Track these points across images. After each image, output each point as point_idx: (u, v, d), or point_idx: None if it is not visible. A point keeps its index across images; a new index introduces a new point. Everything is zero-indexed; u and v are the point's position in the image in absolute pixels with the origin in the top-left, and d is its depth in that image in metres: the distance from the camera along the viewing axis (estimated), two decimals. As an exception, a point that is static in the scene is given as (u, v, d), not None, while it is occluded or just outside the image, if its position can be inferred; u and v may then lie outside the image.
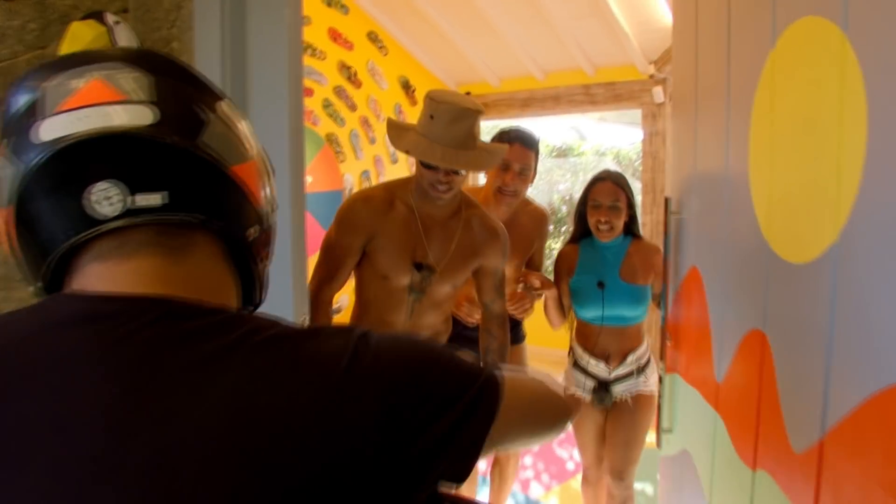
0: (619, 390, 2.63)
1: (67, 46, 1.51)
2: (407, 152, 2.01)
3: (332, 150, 4.80)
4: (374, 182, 5.25)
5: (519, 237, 2.60)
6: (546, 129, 10.38)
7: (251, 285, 0.74)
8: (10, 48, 1.60)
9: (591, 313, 2.63)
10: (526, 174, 2.57)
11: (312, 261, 1.78)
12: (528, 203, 2.79)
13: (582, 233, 2.69)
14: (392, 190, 2.17)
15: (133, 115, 0.60)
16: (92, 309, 0.59)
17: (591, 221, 2.59)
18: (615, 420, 2.66)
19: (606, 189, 2.57)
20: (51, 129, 0.59)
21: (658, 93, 5.27)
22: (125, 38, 1.63)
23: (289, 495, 0.53)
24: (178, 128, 0.62)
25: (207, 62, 1.73)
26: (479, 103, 2.03)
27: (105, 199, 0.59)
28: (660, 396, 2.30)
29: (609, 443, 2.68)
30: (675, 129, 2.51)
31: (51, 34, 1.66)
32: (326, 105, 4.73)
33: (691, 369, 2.06)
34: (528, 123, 5.34)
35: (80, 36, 1.51)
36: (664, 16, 4.52)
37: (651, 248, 2.64)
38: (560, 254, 2.77)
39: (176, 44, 1.80)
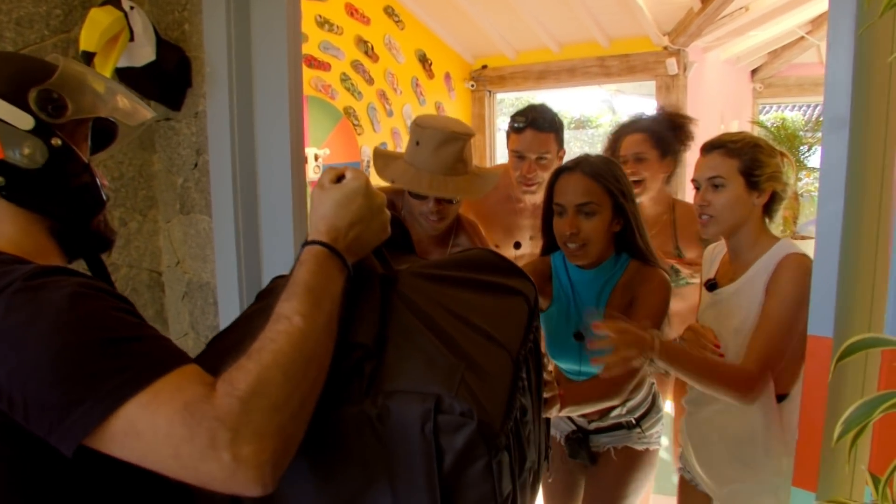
0: (601, 441, 1.96)
1: (87, 31, 1.68)
2: (392, 182, 1.83)
3: (349, 123, 4.94)
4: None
5: None
6: (573, 100, 10.41)
7: (72, 229, 0.94)
8: (38, 32, 1.76)
9: (566, 365, 1.89)
10: (546, 160, 2.32)
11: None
12: None
13: (550, 245, 1.91)
14: (391, 196, 1.92)
15: None
16: None
17: (557, 234, 1.79)
18: (591, 476, 2.00)
19: (574, 184, 1.74)
20: None
21: (672, 64, 5.30)
22: (140, 21, 1.79)
23: None
24: None
25: (215, 42, 1.88)
26: (468, 126, 1.88)
27: None
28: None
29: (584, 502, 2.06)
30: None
31: (74, 19, 1.83)
32: (344, 79, 4.86)
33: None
34: (551, 95, 5.41)
35: (98, 21, 1.68)
36: (675, -13, 4.55)
37: (654, 283, 1.76)
38: (528, 270, 1.69)
39: (187, 26, 1.96)
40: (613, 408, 1.89)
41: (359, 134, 5.02)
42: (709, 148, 1.72)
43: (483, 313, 0.96)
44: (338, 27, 4.75)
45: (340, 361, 0.83)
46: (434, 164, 1.78)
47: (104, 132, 1.03)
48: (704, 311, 1.82)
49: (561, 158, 2.40)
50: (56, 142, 0.88)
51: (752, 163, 1.65)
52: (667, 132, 2.45)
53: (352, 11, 4.86)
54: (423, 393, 0.78)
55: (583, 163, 1.77)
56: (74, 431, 0.69)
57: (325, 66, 4.66)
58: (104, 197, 0.98)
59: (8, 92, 0.85)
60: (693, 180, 1.75)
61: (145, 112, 1.04)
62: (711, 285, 1.81)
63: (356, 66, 4.94)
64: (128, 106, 1.01)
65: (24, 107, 0.85)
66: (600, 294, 1.80)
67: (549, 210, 1.82)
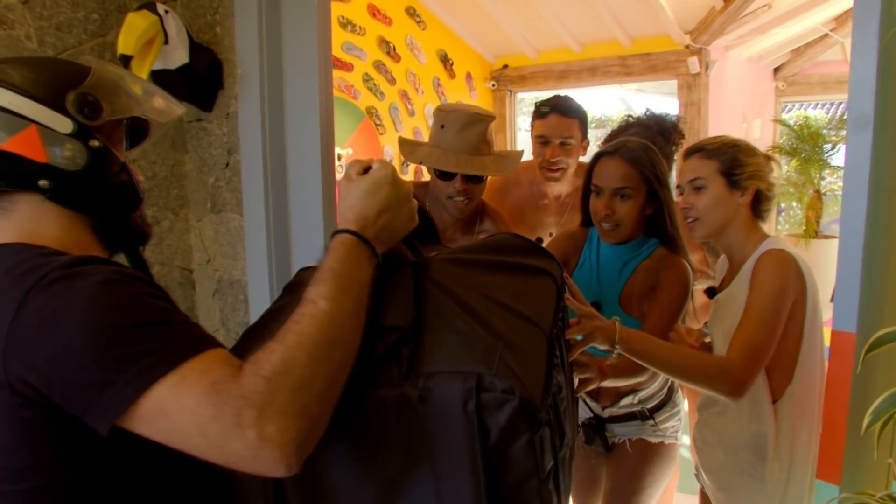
0: (617, 432, 2.00)
1: (124, 35, 1.73)
2: (420, 163, 1.93)
3: (371, 123, 4.99)
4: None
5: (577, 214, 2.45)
6: (593, 100, 10.36)
7: (113, 225, 0.99)
8: (76, 37, 1.82)
9: None
10: (569, 146, 2.34)
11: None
12: None
13: (588, 220, 1.97)
14: (413, 190, 2.07)
15: None
16: None
17: (592, 213, 1.87)
18: (609, 467, 2.04)
19: (612, 168, 1.80)
20: None
21: (693, 63, 5.29)
22: (174, 25, 1.84)
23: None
24: None
25: (246, 44, 1.93)
26: (490, 110, 1.92)
27: None
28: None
29: (603, 495, 2.08)
30: None
31: (110, 23, 1.88)
32: (366, 79, 4.91)
33: None
34: (572, 95, 5.42)
35: (135, 25, 1.73)
36: (697, -14, 4.55)
37: (676, 271, 1.80)
38: (564, 235, 2.07)
39: (219, 28, 2.01)
40: (625, 395, 1.95)
41: (381, 134, 5.07)
42: (689, 153, 1.75)
43: (514, 294, 0.97)
44: (360, 28, 4.80)
45: (377, 346, 0.85)
46: (459, 145, 1.85)
47: (137, 129, 1.06)
48: (710, 318, 1.83)
49: (585, 149, 2.43)
50: (94, 143, 0.92)
51: (731, 162, 1.66)
52: (657, 137, 2.41)
53: (374, 12, 4.91)
54: (464, 372, 0.79)
55: (622, 148, 1.83)
56: (107, 411, 0.73)
57: (347, 67, 4.71)
58: (140, 193, 1.03)
59: (47, 97, 0.88)
60: (677, 186, 1.78)
61: (176, 108, 1.07)
62: (711, 291, 1.85)
63: (378, 66, 4.99)
64: (161, 104, 1.04)
65: (62, 111, 0.89)
66: (622, 270, 1.87)
67: (588, 189, 1.90)
